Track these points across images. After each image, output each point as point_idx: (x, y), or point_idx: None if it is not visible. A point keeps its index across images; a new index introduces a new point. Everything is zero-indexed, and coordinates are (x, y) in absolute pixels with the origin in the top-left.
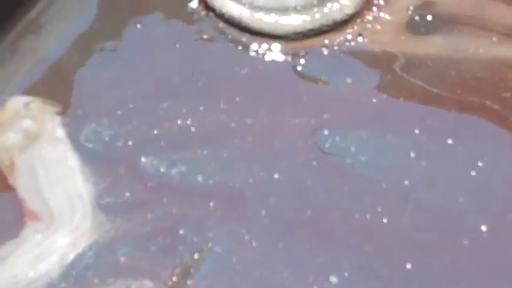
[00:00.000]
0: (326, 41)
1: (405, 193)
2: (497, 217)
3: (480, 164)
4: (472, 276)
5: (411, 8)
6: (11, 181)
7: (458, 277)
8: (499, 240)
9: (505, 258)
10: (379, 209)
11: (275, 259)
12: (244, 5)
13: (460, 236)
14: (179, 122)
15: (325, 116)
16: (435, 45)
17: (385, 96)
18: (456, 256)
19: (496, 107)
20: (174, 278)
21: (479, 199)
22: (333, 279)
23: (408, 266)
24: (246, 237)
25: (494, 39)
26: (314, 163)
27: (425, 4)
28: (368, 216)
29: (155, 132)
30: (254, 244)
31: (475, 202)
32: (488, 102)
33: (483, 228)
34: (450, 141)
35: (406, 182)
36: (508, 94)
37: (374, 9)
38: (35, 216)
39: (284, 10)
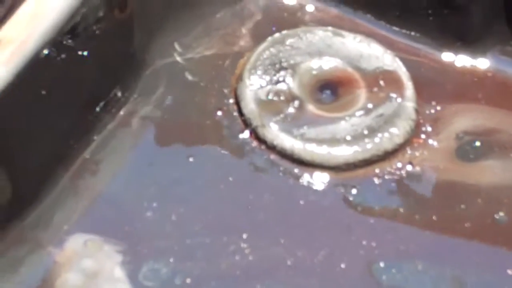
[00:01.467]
0: (377, 171)
1: None
2: None
3: None
4: None
5: (460, 134)
6: None
7: None
8: None
9: None
10: None
11: None
12: (295, 137)
13: None
14: (237, 257)
15: (380, 247)
16: (488, 173)
17: (440, 227)
18: None
19: None
20: None
21: None
22: None
23: None
24: None
25: None
26: None
27: (473, 130)
28: None
29: (213, 268)
30: None
31: None
32: None
33: None
34: (510, 272)
35: None
36: None
37: (423, 136)
38: None
39: (335, 141)
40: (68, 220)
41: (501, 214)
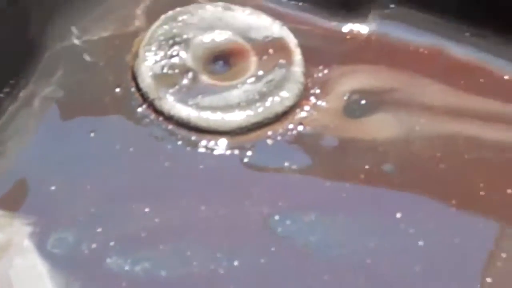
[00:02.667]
0: (270, 133)
1: (358, 265)
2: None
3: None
4: None
5: (347, 94)
6: None
7: None
8: None
9: None
10: (335, 282)
11: None
12: (191, 106)
13: None
14: (141, 222)
15: (275, 202)
16: (374, 128)
17: (332, 180)
18: None
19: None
20: None
21: (429, 267)
22: None
23: None
24: None
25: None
26: (271, 247)
27: (360, 90)
28: None
29: (119, 233)
30: None
31: (425, 269)
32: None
33: None
34: (398, 215)
35: (357, 256)
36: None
37: (312, 98)
38: None
39: (228, 107)
40: None
41: (389, 164)
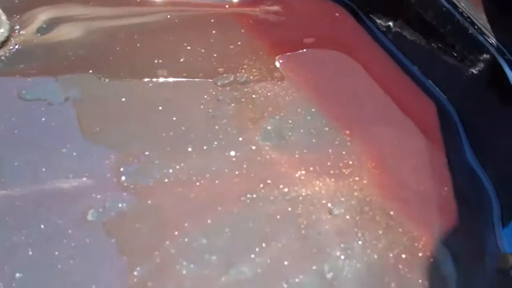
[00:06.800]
0: (7, 49)
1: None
2: None
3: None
4: None
5: (35, 25)
6: None
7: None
8: None
9: None
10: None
11: None
12: None
13: None
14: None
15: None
16: (57, 36)
17: (57, 74)
18: None
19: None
20: None
21: None
22: None
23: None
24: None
25: None
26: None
27: (43, 21)
28: None
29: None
30: None
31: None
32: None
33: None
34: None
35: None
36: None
37: (16, 31)
38: None
39: None
40: None
41: (81, 50)
